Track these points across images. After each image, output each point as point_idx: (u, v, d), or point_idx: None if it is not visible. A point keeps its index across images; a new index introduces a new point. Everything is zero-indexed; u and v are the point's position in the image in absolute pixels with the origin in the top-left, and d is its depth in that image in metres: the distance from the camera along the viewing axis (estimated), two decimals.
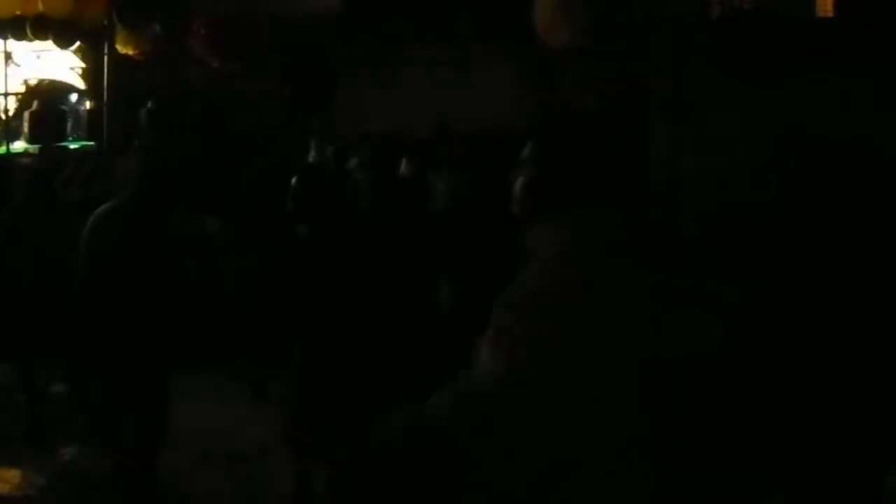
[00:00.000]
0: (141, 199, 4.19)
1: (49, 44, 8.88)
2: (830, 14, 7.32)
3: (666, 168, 7.35)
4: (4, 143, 9.32)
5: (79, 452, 5.35)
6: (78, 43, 9.17)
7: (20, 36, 8.73)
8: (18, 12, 8.52)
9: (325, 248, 3.88)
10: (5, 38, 9.01)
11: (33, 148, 9.46)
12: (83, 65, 9.71)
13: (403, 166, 6.31)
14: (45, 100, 9.81)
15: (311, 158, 7.34)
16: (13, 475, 5.14)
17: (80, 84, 10.01)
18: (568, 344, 2.03)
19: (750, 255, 4.32)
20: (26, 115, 9.48)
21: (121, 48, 8.24)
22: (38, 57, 9.70)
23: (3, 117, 9.56)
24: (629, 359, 2.14)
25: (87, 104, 9.81)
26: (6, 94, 9.57)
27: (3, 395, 6.01)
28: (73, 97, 10.15)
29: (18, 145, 9.46)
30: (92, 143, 9.58)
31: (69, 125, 9.79)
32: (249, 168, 6.84)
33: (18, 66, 9.66)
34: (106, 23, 7.52)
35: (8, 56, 9.44)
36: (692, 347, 4.06)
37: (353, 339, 3.84)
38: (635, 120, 7.85)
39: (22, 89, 9.79)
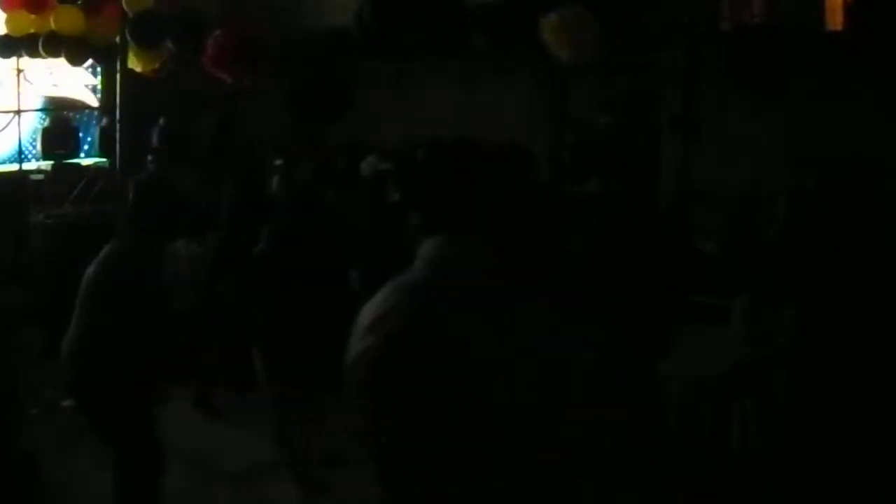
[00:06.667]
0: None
1: (62, 60, 8.94)
2: (840, 27, 7.30)
3: (678, 183, 7.35)
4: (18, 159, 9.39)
5: None
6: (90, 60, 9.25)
7: (33, 53, 8.79)
8: (32, 30, 8.58)
9: None
10: (19, 56, 9.06)
11: (46, 164, 9.54)
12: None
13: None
14: (57, 116, 9.87)
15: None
16: None
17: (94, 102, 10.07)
18: None
19: (765, 271, 4.32)
20: (39, 131, 9.54)
21: (133, 65, 8.27)
22: (52, 73, 9.77)
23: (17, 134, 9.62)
24: None
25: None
26: (19, 112, 9.62)
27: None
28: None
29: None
30: (105, 159, 9.63)
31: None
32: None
33: (30, 83, 9.73)
34: (118, 40, 7.53)
35: (20, 72, 9.51)
36: (709, 364, 4.05)
37: None
38: (647, 134, 7.86)
39: (36, 106, 9.85)
